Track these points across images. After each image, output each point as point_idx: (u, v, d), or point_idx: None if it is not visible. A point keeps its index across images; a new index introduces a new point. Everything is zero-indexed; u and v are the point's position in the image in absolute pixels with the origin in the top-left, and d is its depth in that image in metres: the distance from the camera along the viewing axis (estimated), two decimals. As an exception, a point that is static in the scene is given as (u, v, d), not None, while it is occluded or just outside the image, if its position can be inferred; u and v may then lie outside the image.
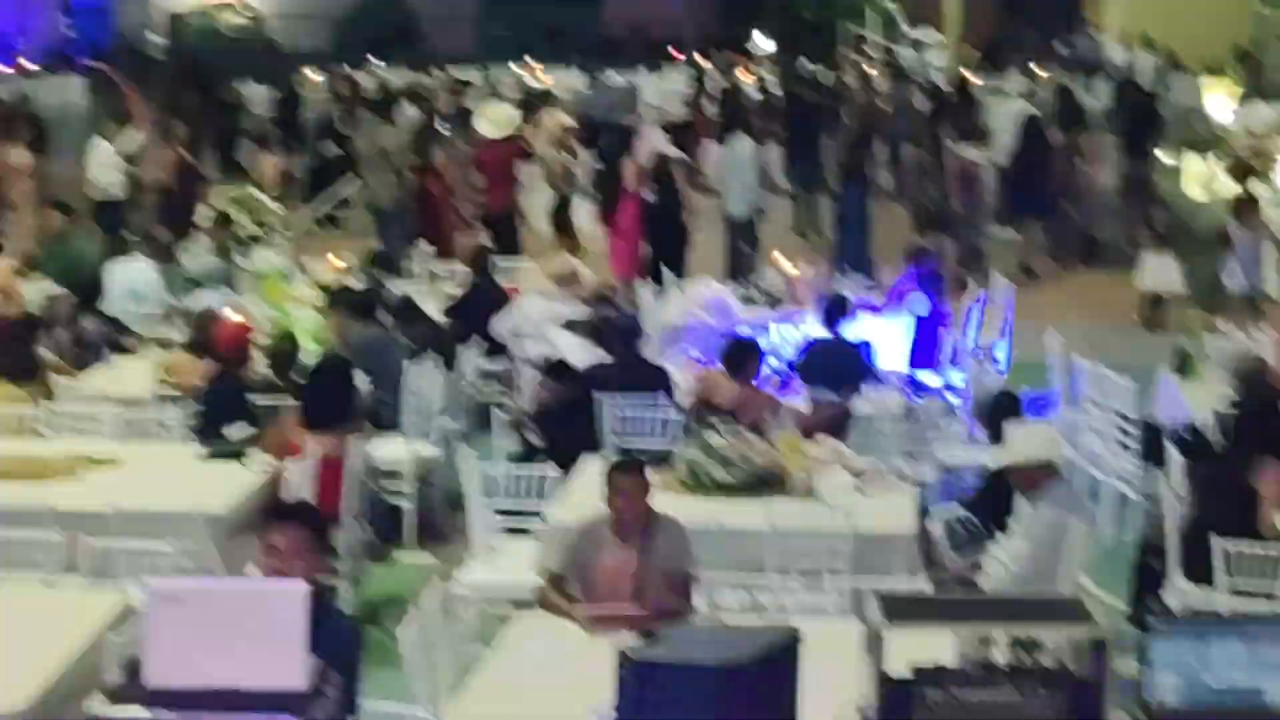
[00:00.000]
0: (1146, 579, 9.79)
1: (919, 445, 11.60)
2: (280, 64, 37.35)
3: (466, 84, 30.35)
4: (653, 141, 19.78)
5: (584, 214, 20.38)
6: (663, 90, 36.14)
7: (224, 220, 16.62)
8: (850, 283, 15.96)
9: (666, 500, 9.07)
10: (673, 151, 19.67)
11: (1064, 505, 8.95)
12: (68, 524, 8.90)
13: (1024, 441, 9.09)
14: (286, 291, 14.85)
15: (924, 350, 14.06)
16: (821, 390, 12.06)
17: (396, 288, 14.84)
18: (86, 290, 13.77)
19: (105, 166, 20.51)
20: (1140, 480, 11.44)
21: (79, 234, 17.13)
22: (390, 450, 11.83)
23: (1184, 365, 12.78)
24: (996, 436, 9.71)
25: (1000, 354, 15.04)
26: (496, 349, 14.14)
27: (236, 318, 12.83)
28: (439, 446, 12.31)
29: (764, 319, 14.55)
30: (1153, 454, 11.19)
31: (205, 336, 12.18)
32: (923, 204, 20.18)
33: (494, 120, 19.45)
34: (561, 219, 19.43)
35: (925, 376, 13.85)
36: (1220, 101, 32.08)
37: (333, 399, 10.81)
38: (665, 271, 16.82)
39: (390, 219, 19.45)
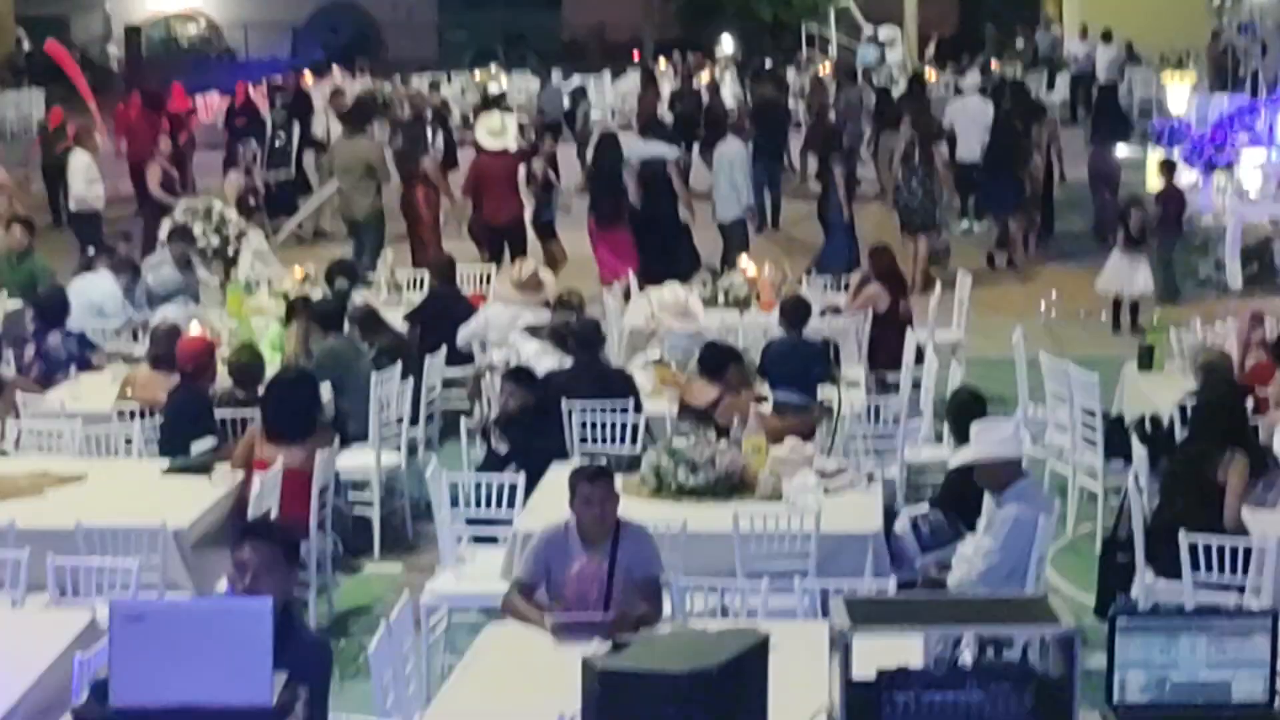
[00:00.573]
0: (1113, 574, 9.81)
1: (885, 445, 11.61)
2: (239, 74, 37.26)
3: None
4: (642, 146, 19.75)
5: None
6: (622, 92, 36.27)
7: (184, 233, 16.56)
8: (814, 283, 15.99)
9: (633, 505, 9.08)
10: (664, 153, 19.65)
11: (1030, 502, 8.96)
12: (33, 542, 8.85)
13: (989, 439, 9.11)
14: (249, 303, 14.81)
15: (888, 348, 14.07)
16: (786, 391, 12.05)
17: (360, 297, 14.81)
18: (51, 307, 13.70)
19: (84, 178, 20.41)
20: (1106, 476, 11.47)
21: (40, 251, 17.04)
22: (356, 461, 11.81)
23: (1148, 360, 12.82)
24: (961, 435, 9.72)
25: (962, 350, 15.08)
26: (461, 357, 14.13)
27: (199, 331, 12.79)
28: (405, 456, 12.30)
29: (729, 321, 14.55)
30: (1118, 448, 11.22)
31: (168, 350, 12.12)
32: (906, 202, 20.20)
33: (493, 131, 19.39)
34: (545, 226, 19.38)
35: (890, 375, 13.86)
36: (1180, 93, 32.20)
37: (297, 410, 10.76)
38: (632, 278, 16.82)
39: (365, 229, 19.44)
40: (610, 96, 35.95)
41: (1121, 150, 28.78)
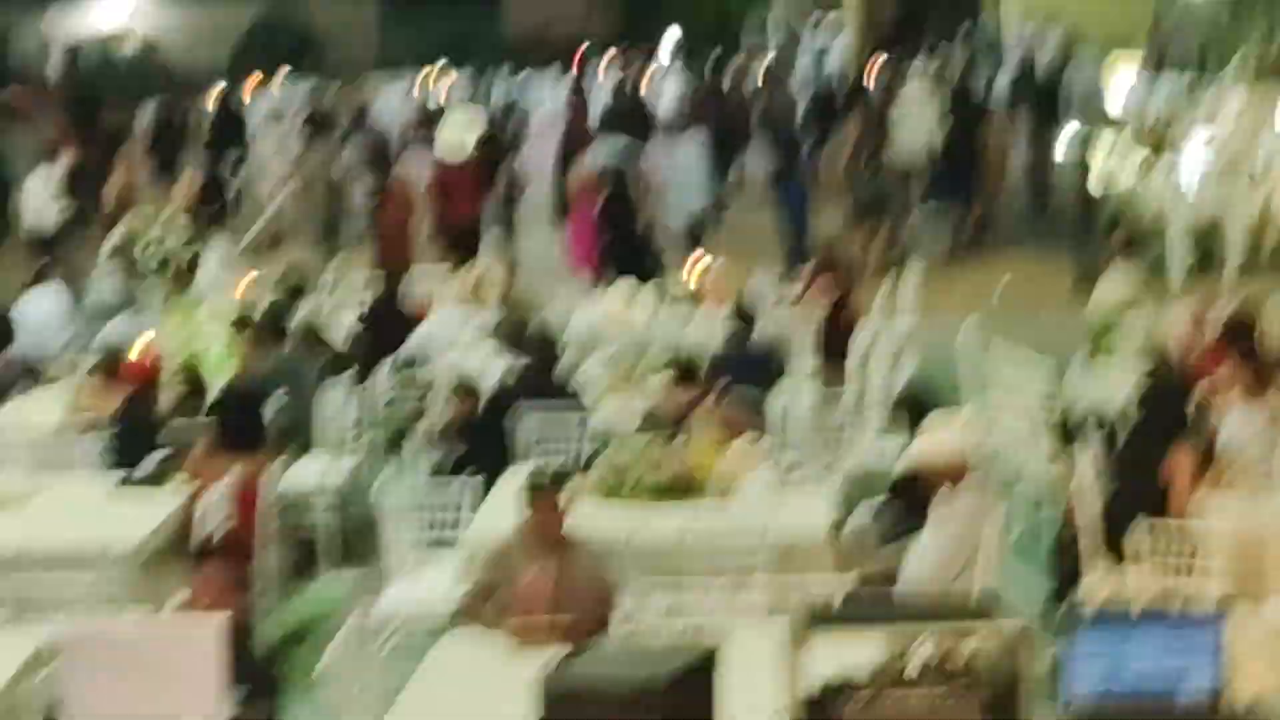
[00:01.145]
0: (1066, 565, 9.84)
1: (836, 439, 11.61)
2: (177, 88, 37.06)
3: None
4: (602, 147, 19.81)
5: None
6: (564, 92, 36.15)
7: (129, 246, 16.45)
8: (765, 280, 15.99)
9: (586, 508, 9.06)
10: (623, 155, 19.67)
11: (980, 497, 8.99)
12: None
13: (938, 435, 9.12)
14: (196, 316, 14.71)
15: (838, 342, 14.07)
16: (738, 389, 12.04)
17: (307, 307, 14.74)
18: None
19: (39, 198, 20.26)
20: (1056, 468, 11.49)
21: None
22: (305, 473, 11.75)
23: (1096, 350, 12.85)
24: (913, 428, 9.73)
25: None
26: (409, 365, 14.07)
27: (145, 345, 12.71)
28: (354, 467, 12.25)
29: (679, 320, 14.53)
30: (1067, 440, 11.25)
31: (115, 366, 12.06)
32: (859, 194, 20.29)
33: (454, 144, 19.41)
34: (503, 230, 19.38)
35: (841, 370, 13.86)
36: (1123, 79, 32.31)
37: (245, 423, 10.71)
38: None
39: (329, 233, 19.50)
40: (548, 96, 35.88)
41: (1063, 138, 28.94)
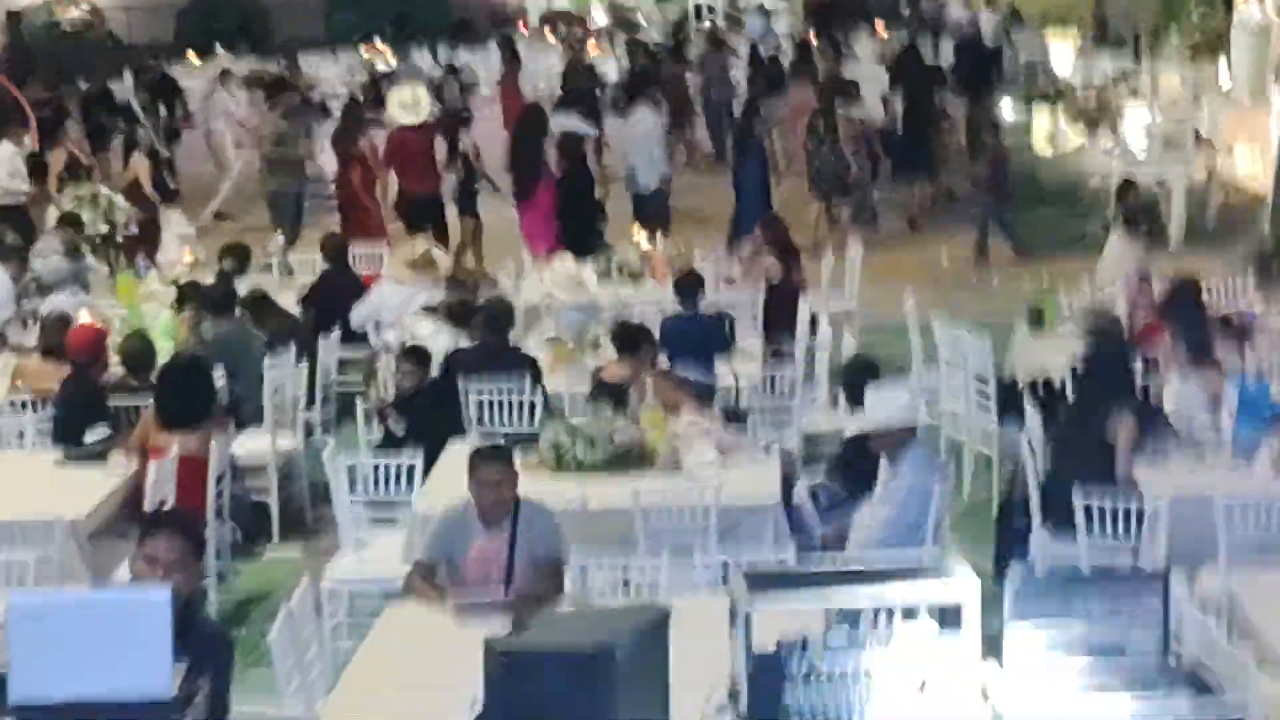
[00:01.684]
0: (1009, 537, 9.92)
1: (781, 414, 11.67)
2: (123, 58, 36.86)
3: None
4: (560, 120, 19.78)
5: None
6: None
7: (72, 220, 16.38)
8: (708, 255, 16.01)
9: (533, 482, 9.08)
10: (583, 128, 19.68)
11: (925, 467, 9.07)
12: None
13: (883, 406, 9.18)
14: (139, 290, 14.67)
15: (782, 318, 14.11)
16: (683, 365, 12.09)
17: (251, 280, 14.71)
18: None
19: (6, 169, 20.09)
20: (1000, 438, 11.58)
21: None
22: (252, 446, 11.73)
23: (1039, 321, 12.94)
24: (856, 402, 9.79)
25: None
26: (356, 338, 14.07)
27: (89, 319, 12.66)
28: (301, 439, 12.24)
29: (624, 295, 14.55)
30: (1011, 412, 11.33)
31: (58, 340, 12.01)
32: (818, 168, 20.42)
33: (407, 104, 19.34)
34: (464, 201, 19.31)
35: (785, 344, 13.90)
36: (1064, 54, 32.47)
37: (190, 397, 10.69)
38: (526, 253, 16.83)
39: (284, 208, 19.50)
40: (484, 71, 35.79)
41: (1006, 111, 29.08)
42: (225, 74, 27.38)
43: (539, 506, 8.39)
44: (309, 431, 12.53)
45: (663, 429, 10.13)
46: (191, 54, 36.03)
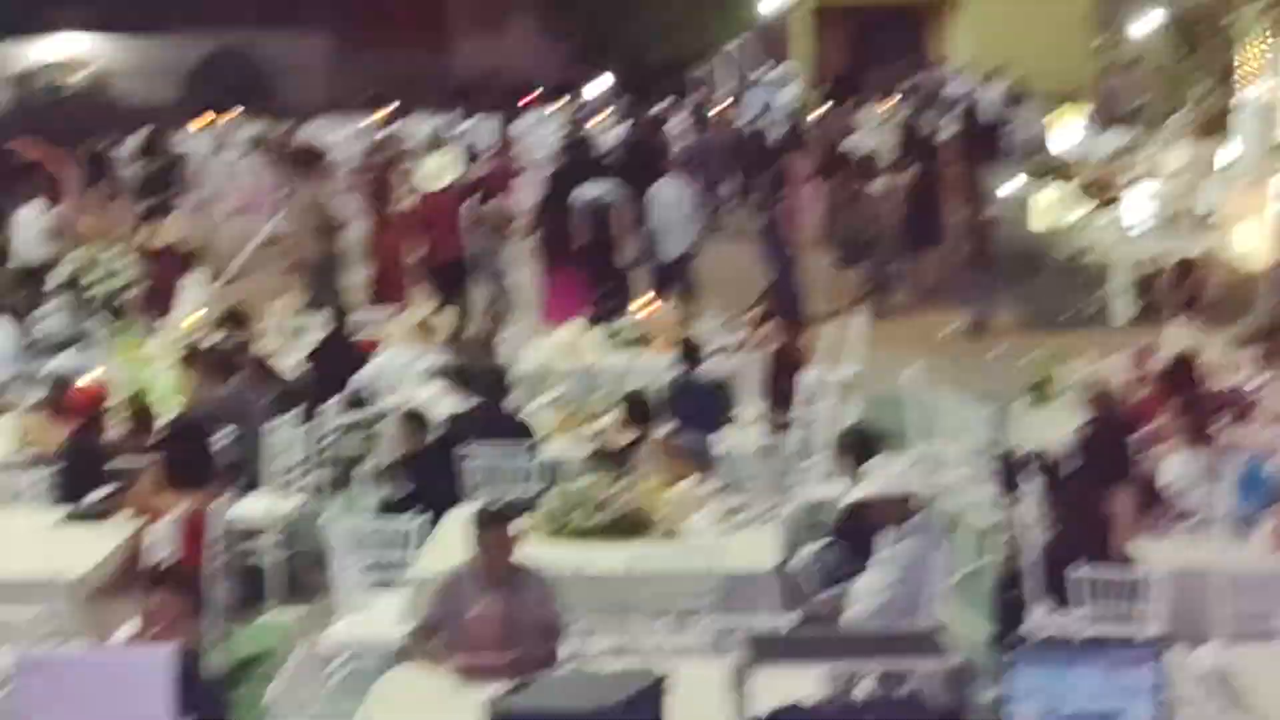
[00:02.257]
0: (1007, 608, 9.91)
1: (781, 482, 11.68)
2: (127, 120, 37.00)
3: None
4: (588, 188, 19.96)
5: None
6: (517, 134, 36.30)
7: (75, 281, 16.44)
8: (709, 322, 16.06)
9: (533, 546, 9.09)
10: (608, 196, 19.86)
11: (924, 537, 9.07)
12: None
13: (883, 475, 9.20)
14: (142, 350, 14.71)
15: (784, 385, 14.14)
16: (684, 431, 12.12)
17: (255, 342, 14.75)
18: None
19: (30, 234, 20.24)
20: (999, 509, 11.58)
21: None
22: (253, 507, 11.75)
23: (1039, 394, 12.97)
24: (857, 471, 9.81)
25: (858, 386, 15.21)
26: (357, 401, 14.09)
27: (92, 379, 12.69)
28: (302, 502, 12.26)
29: (626, 361, 14.58)
30: (1010, 483, 11.33)
31: (62, 399, 12.04)
32: (842, 235, 20.88)
33: (433, 172, 19.53)
34: (491, 267, 19.47)
35: (786, 412, 13.92)
36: (1067, 131, 32.61)
37: (192, 458, 10.71)
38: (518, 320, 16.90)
39: (319, 272, 19.68)
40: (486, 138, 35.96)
41: (1008, 187, 29.16)
42: (256, 140, 27.53)
43: (538, 571, 8.41)
44: (310, 493, 12.54)
45: (662, 495, 10.14)
46: (199, 117, 36.14)
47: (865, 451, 9.85)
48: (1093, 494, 9.70)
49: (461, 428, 11.77)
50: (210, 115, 35.74)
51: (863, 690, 5.94)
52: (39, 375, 13.73)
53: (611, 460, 10.76)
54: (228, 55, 54.10)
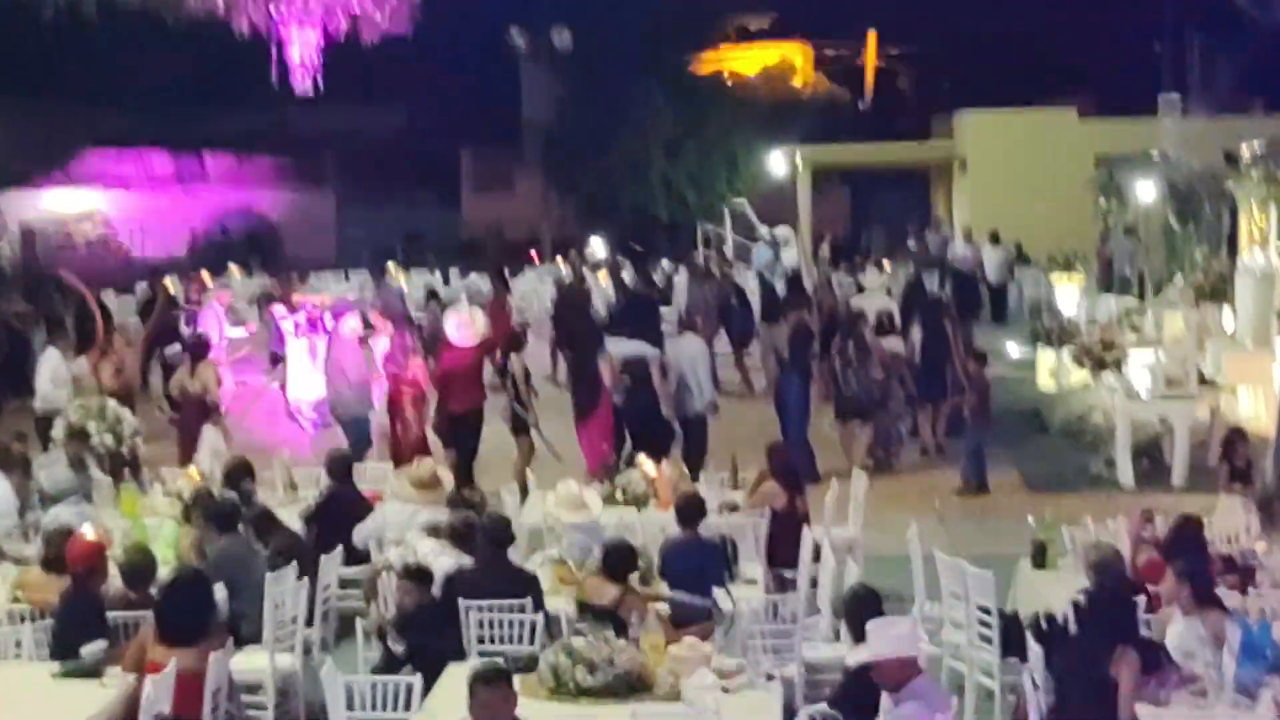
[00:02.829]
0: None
1: (783, 643, 11.62)
2: (135, 273, 37.34)
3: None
4: (625, 345, 20.21)
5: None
6: (520, 291, 36.62)
7: (79, 432, 16.46)
8: (710, 480, 16.05)
9: (531, 705, 9.04)
10: (647, 351, 20.16)
11: (927, 700, 8.99)
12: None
13: (886, 636, 9.14)
14: (143, 503, 14.70)
15: (785, 546, 14.11)
16: (682, 590, 12.09)
17: (256, 497, 14.73)
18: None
19: (49, 376, 20.43)
20: (1002, 673, 11.52)
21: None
22: (251, 663, 11.67)
23: (1041, 557, 12.93)
24: (859, 632, 9.75)
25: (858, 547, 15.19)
26: (358, 556, 14.05)
27: (91, 532, 12.65)
28: (300, 657, 12.17)
29: (627, 519, 14.56)
30: (1013, 645, 11.28)
31: (60, 552, 11.99)
32: (844, 392, 21.09)
33: (463, 324, 19.73)
34: (516, 421, 19.52)
35: (787, 572, 13.89)
36: (1069, 294, 32.82)
37: (190, 613, 10.62)
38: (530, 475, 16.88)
39: (356, 427, 20.05)
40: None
41: (1011, 349, 29.33)
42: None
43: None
44: (308, 649, 12.46)
45: (663, 654, 10.09)
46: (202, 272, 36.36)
47: (867, 612, 9.79)
48: (1096, 657, 9.63)
49: (462, 582, 11.73)
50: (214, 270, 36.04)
51: None
52: (39, 528, 13.69)
53: (595, 614, 10.72)
54: (237, 209, 54.58)
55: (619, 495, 15.29)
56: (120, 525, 13.89)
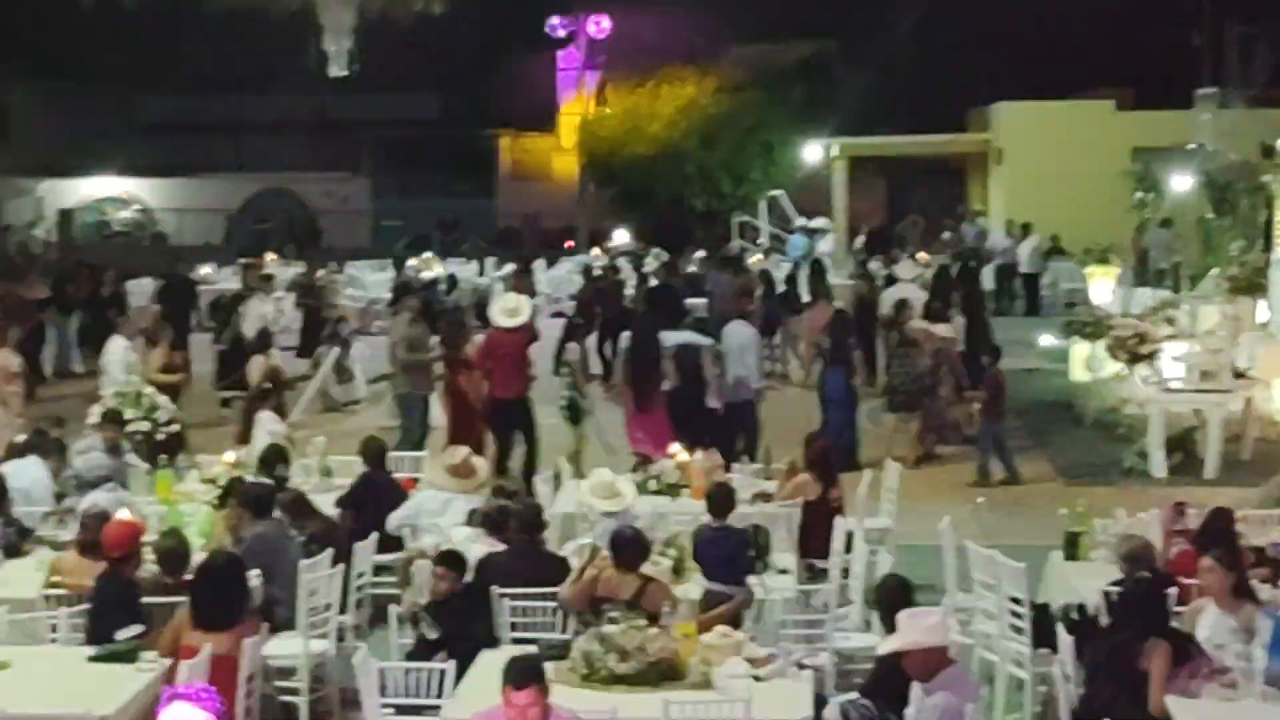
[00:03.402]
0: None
1: (814, 632, 11.64)
2: (170, 257, 37.49)
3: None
4: (677, 334, 20.44)
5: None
6: (555, 280, 36.71)
7: (115, 418, 16.55)
8: (744, 470, 16.06)
9: (563, 692, 9.07)
10: (699, 340, 20.24)
11: (958, 690, 9.01)
12: (-43, 732, 8.77)
13: (917, 626, 9.16)
14: (178, 489, 14.77)
15: (818, 536, 14.12)
16: (713, 579, 12.11)
17: (291, 481, 14.80)
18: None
19: (119, 363, 20.72)
20: (1033, 664, 11.52)
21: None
22: (284, 648, 11.74)
23: (1073, 548, 12.92)
24: (890, 622, 9.77)
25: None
26: (392, 543, 14.09)
27: (126, 516, 12.73)
28: (334, 642, 12.23)
29: (660, 508, 14.58)
30: (1044, 636, 11.28)
31: (95, 537, 12.06)
32: (890, 382, 21.26)
33: (509, 309, 19.81)
34: (572, 412, 19.59)
35: (819, 563, 13.90)
36: (1103, 286, 32.71)
37: (225, 597, 10.70)
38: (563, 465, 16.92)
39: (414, 410, 20.13)
40: (544, 284, 36.27)
41: (1045, 340, 29.26)
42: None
43: (570, 717, 8.37)
44: (341, 635, 12.52)
45: (694, 643, 10.12)
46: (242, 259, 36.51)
47: (899, 602, 9.81)
48: (1127, 649, 9.63)
49: (495, 568, 11.78)
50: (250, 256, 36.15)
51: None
52: (75, 512, 13.77)
53: (621, 605, 10.74)
54: (274, 195, 54.70)
55: (652, 484, 15.31)
56: (156, 510, 13.96)
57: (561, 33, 53.82)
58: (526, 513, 12.57)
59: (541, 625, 11.34)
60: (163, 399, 17.94)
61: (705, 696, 9.43)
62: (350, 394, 25.43)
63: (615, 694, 9.57)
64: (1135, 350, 21.57)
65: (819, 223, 42.30)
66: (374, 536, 13.60)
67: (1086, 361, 25.31)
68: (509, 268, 34.38)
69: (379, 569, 13.79)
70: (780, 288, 30.28)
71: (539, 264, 37.78)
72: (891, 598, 10.20)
